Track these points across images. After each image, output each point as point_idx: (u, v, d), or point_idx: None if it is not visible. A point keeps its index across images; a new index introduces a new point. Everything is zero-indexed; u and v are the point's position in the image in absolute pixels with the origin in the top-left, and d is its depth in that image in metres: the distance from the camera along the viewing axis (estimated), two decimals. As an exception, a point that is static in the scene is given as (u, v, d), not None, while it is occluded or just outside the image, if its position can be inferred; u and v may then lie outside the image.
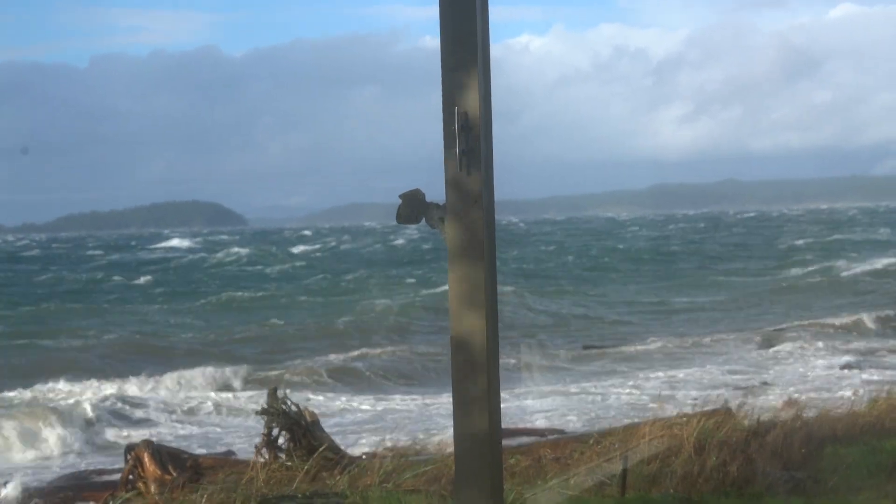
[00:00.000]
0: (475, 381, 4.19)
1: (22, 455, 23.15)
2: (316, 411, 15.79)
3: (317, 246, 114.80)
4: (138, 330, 44.71)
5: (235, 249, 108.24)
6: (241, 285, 66.51)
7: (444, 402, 25.50)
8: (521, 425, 22.94)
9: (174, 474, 15.26)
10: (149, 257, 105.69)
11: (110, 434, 24.73)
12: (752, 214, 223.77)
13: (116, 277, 75.00)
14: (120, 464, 17.02)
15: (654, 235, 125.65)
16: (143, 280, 71.69)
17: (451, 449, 15.04)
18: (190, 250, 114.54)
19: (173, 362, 34.81)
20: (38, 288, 70.00)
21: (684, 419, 14.39)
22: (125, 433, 24.21)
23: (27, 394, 29.73)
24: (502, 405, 4.33)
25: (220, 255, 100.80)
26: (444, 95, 4.14)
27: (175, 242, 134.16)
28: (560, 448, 15.87)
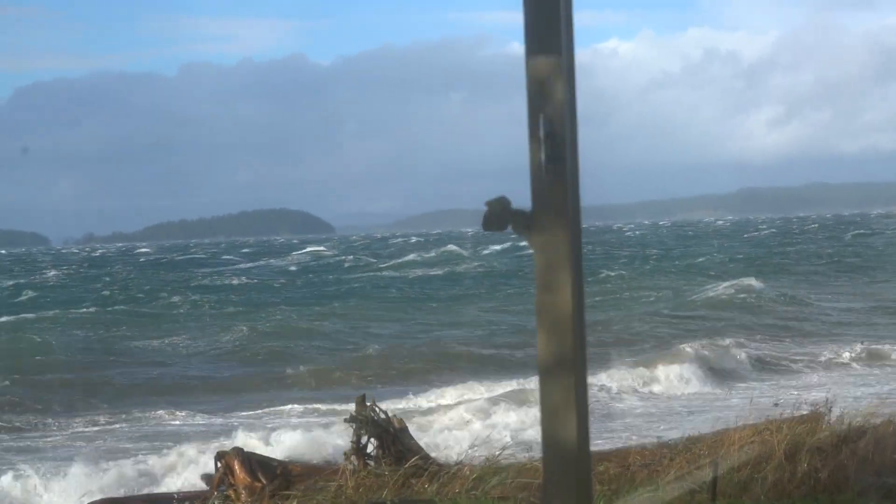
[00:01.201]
0: (562, 385, 4.17)
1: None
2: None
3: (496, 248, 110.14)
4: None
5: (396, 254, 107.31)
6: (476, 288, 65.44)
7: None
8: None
9: (264, 482, 15.34)
10: (347, 266, 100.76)
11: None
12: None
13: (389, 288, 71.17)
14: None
15: (820, 238, 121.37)
16: (394, 290, 67.43)
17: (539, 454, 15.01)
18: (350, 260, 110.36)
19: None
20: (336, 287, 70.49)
21: (774, 425, 14.24)
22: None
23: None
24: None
25: (396, 261, 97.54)
26: (528, 101, 4.12)
27: (311, 249, 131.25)
28: (649, 454, 15.77)
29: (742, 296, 51.57)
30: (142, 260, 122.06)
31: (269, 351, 39.66)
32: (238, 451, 16.08)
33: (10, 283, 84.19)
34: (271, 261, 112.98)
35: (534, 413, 24.74)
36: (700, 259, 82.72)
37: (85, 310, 56.85)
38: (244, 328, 44.57)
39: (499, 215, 4.11)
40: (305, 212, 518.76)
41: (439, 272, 79.69)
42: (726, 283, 55.79)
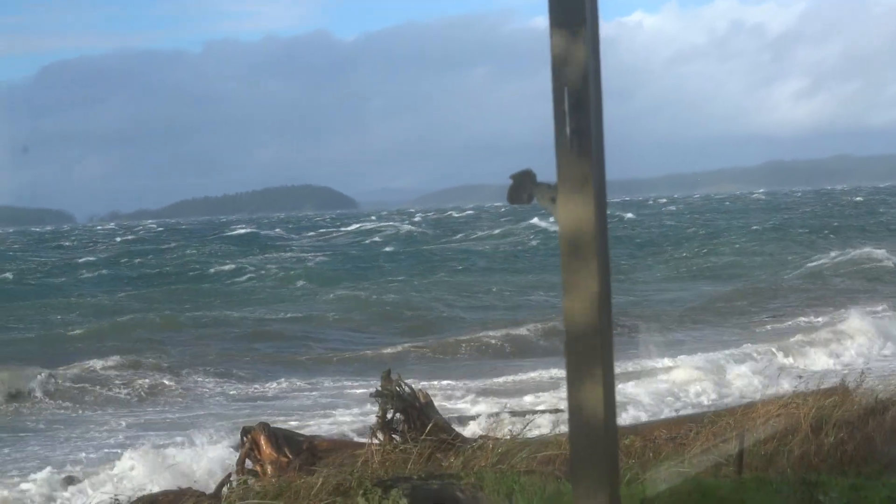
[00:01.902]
0: (587, 359, 4.18)
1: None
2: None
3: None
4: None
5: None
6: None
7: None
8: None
9: (290, 457, 15.39)
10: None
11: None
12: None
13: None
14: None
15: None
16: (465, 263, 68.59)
17: (565, 429, 15.01)
18: (411, 233, 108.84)
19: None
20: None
21: (800, 398, 14.23)
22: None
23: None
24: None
25: (484, 233, 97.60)
26: (553, 75, 4.11)
27: (363, 225, 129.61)
28: (675, 428, 15.77)
29: (870, 264, 52.42)
30: (207, 236, 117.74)
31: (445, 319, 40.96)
32: (264, 426, 16.13)
33: (129, 258, 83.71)
34: (332, 234, 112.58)
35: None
36: (798, 230, 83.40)
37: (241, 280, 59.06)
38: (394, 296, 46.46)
39: (524, 188, 4.10)
40: (329, 188, 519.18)
41: (535, 243, 79.90)
42: (846, 253, 56.71)
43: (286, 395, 27.44)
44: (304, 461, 14.79)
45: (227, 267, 68.54)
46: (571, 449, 4.16)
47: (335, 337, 38.07)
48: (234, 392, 28.13)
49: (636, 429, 15.86)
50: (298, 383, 28.82)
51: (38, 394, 27.85)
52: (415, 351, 34.10)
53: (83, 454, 20.41)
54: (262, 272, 64.25)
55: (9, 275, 69.19)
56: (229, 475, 14.62)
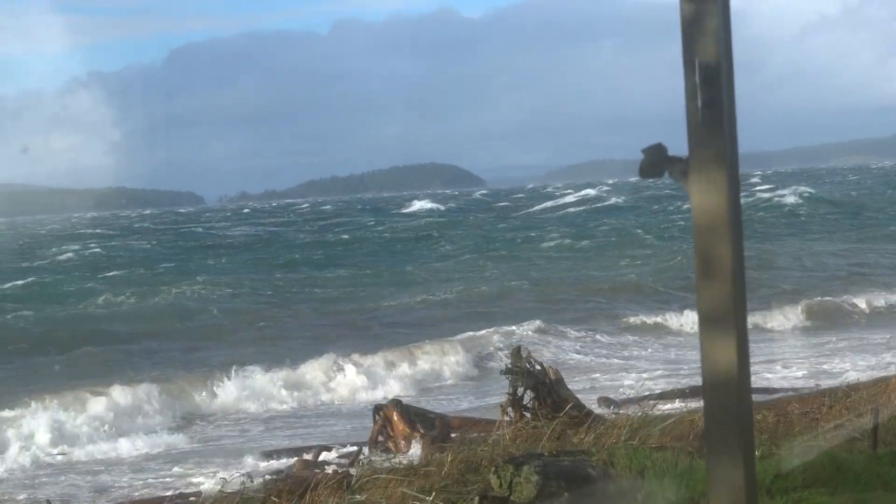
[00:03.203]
0: (722, 334, 4.15)
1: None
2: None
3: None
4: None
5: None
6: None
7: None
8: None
9: (422, 432, 15.50)
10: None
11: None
12: None
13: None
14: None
15: None
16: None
17: (692, 405, 14.93)
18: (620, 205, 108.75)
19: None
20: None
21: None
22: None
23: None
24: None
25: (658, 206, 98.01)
26: (683, 47, 4.08)
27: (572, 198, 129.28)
28: (807, 402, 15.60)
29: None
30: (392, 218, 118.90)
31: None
32: (396, 403, 16.26)
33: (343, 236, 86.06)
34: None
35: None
36: None
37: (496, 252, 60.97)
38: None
39: (655, 162, 4.08)
40: (455, 165, 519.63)
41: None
42: None
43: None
44: (435, 437, 14.89)
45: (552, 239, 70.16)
46: (706, 424, 4.14)
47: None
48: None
49: (769, 404, 15.72)
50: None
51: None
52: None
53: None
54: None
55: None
56: (360, 450, 14.78)
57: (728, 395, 4.05)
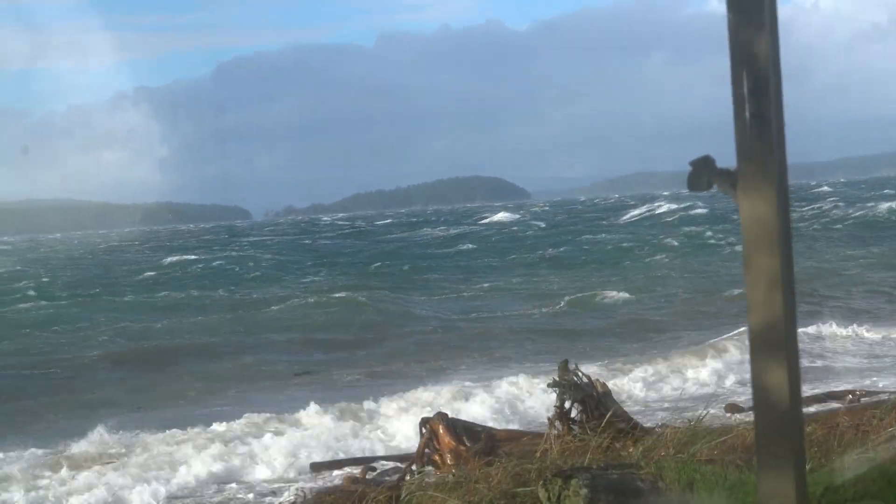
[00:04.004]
0: (772, 346, 4.12)
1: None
2: None
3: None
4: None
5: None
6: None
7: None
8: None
9: (468, 445, 15.47)
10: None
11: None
12: None
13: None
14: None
15: None
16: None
17: (740, 418, 14.83)
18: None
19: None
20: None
21: None
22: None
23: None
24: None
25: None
26: (731, 58, 4.06)
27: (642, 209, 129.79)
28: (857, 415, 15.48)
29: None
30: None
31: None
32: (442, 417, 16.23)
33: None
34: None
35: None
36: None
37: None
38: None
39: (704, 174, 4.06)
40: (500, 178, 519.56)
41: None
42: None
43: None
44: (481, 451, 14.86)
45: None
46: (757, 439, 4.11)
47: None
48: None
49: (818, 416, 15.60)
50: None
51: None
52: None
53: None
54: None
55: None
56: (410, 464, 14.76)
57: (779, 411, 4.01)
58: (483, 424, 17.04)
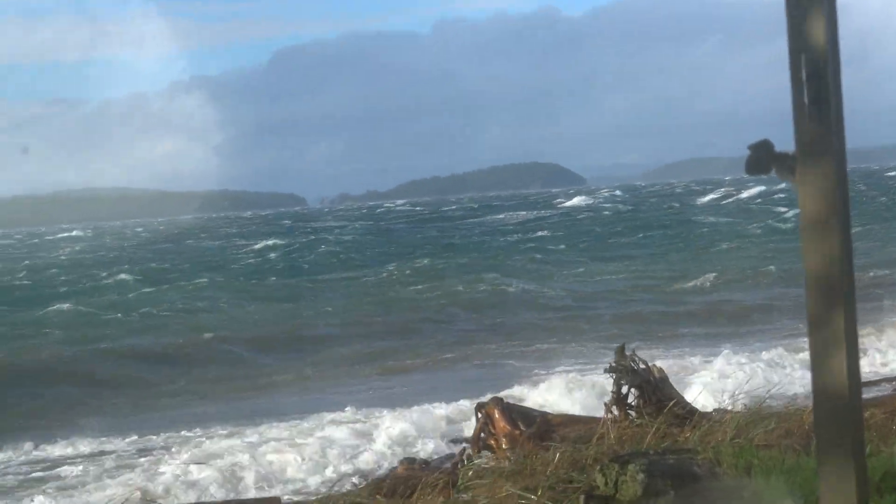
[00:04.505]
0: (831, 332, 4.11)
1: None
2: None
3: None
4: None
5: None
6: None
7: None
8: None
9: (522, 430, 15.49)
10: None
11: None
12: None
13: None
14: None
15: None
16: None
17: (800, 402, 14.78)
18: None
19: None
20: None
21: None
22: None
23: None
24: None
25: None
26: (789, 42, 4.05)
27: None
28: (918, 400, 15.39)
29: None
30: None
31: None
32: (498, 402, 16.27)
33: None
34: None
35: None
36: None
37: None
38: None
39: (762, 159, 4.05)
40: (556, 164, 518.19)
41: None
42: None
43: None
44: (536, 435, 14.87)
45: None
46: (816, 427, 4.11)
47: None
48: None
49: (877, 401, 15.51)
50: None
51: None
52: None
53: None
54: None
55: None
56: (464, 450, 14.80)
57: (838, 396, 4.01)
58: (539, 410, 17.06)
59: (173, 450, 20.24)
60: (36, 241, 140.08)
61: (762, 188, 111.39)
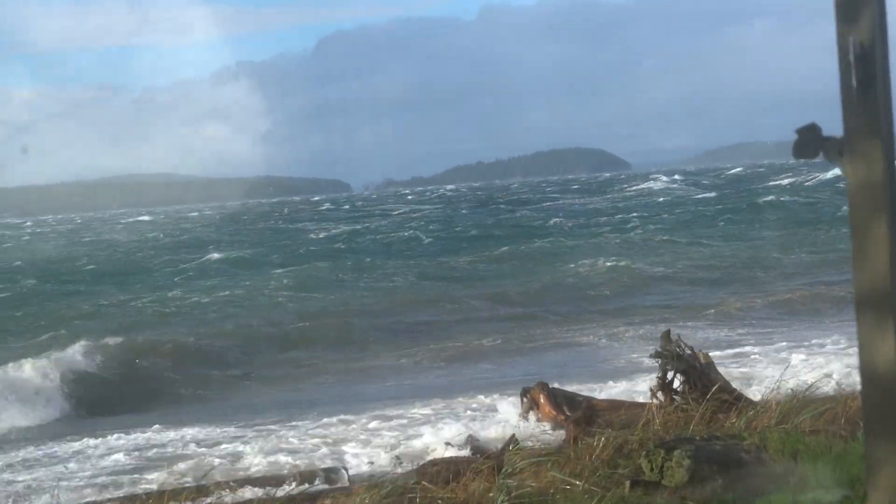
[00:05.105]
0: (878, 317, 4.09)
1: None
2: None
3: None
4: None
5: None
6: None
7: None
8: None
9: (567, 415, 15.49)
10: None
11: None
12: None
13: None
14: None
15: None
16: None
17: (846, 387, 14.68)
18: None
19: None
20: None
21: None
22: None
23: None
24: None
25: None
26: (837, 25, 4.03)
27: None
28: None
29: None
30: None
31: None
32: (543, 386, 16.28)
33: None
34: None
35: None
36: None
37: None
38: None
39: (809, 143, 4.04)
40: (601, 149, 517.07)
41: None
42: None
43: None
44: (581, 419, 14.86)
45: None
46: (864, 409, 4.09)
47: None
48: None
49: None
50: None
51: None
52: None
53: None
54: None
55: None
56: (513, 435, 14.80)
57: (887, 379, 3.99)
58: (584, 395, 17.05)
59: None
60: (103, 224, 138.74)
61: (831, 174, 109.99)
